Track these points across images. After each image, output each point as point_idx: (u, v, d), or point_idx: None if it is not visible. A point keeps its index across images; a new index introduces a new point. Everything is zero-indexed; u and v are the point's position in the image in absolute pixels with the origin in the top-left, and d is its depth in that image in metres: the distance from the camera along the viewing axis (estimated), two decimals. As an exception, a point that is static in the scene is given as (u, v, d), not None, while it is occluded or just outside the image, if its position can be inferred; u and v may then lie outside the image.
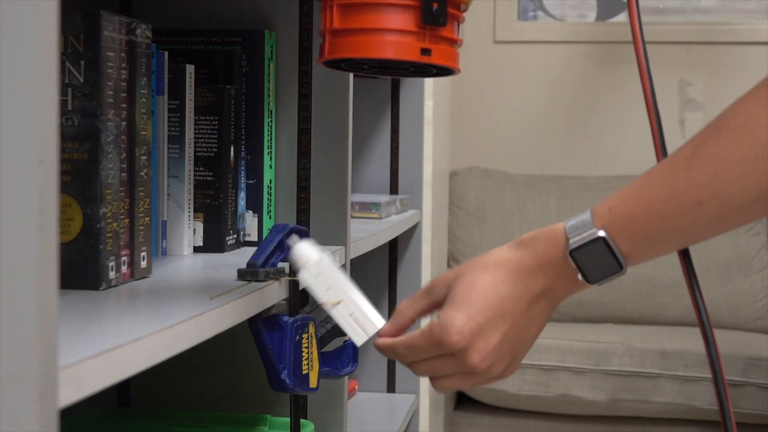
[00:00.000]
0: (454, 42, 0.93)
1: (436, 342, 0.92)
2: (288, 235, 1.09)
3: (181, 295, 1.00)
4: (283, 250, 1.09)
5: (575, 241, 0.89)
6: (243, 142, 1.44)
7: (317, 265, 1.02)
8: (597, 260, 0.89)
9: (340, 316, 1.00)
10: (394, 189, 2.36)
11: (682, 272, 0.93)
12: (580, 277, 0.90)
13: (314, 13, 1.44)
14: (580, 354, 2.95)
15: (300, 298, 1.14)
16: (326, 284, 1.01)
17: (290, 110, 1.45)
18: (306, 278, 1.02)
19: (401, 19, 0.90)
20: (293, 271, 1.13)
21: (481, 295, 0.92)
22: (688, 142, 0.87)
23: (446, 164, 3.08)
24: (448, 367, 0.94)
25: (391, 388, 2.35)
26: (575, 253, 0.90)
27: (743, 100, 0.84)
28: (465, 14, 0.94)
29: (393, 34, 0.90)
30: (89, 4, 1.32)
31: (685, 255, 0.92)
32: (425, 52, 0.91)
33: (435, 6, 0.89)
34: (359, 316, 1.00)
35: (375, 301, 0.99)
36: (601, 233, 0.88)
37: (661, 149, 0.93)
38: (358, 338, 1.00)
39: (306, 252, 1.03)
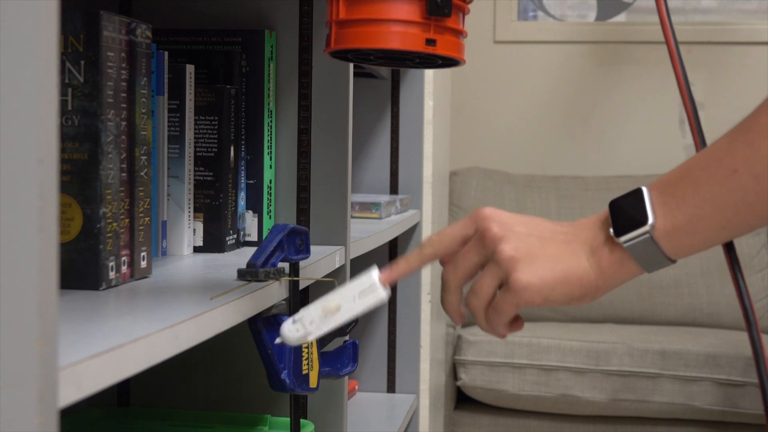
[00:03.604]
0: (459, 33, 0.93)
1: (464, 220, 0.92)
2: (289, 235, 1.09)
3: (181, 295, 1.00)
4: (283, 250, 1.09)
5: (619, 195, 0.90)
6: (243, 142, 1.44)
7: (292, 323, 0.93)
8: (628, 210, 0.88)
9: (352, 309, 0.92)
10: (394, 189, 2.36)
11: (729, 270, 0.92)
12: (611, 231, 0.89)
13: (314, 13, 1.44)
14: (580, 354, 2.95)
15: (300, 298, 1.14)
16: (314, 316, 0.93)
17: (290, 110, 1.45)
18: (299, 332, 0.93)
19: (406, 10, 0.91)
20: (294, 273, 1.13)
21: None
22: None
23: (446, 164, 3.07)
24: (472, 254, 0.91)
25: (391, 388, 2.35)
26: (613, 203, 0.90)
27: None
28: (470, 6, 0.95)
29: (398, 24, 0.91)
30: (89, 4, 1.32)
31: (729, 249, 0.91)
32: (430, 42, 0.92)
33: None
34: (362, 290, 0.92)
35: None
36: (642, 187, 0.89)
37: (699, 140, 0.93)
38: (382, 296, 0.92)
39: (285, 333, 0.94)
